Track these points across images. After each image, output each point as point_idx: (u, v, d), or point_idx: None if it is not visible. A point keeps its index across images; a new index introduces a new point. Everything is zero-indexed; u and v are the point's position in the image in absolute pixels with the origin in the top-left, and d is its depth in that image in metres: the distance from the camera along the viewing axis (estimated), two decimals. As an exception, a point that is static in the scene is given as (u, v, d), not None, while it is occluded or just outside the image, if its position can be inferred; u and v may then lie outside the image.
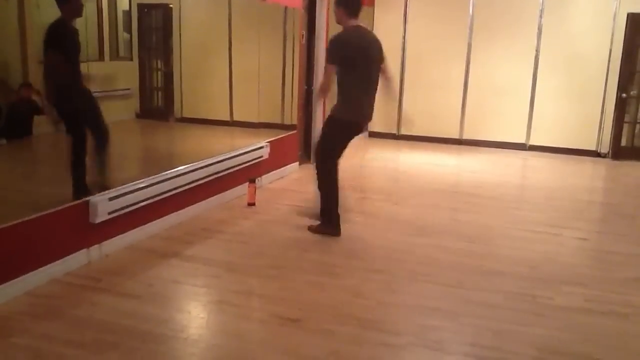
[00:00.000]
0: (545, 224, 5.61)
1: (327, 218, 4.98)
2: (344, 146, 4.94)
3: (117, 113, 5.00)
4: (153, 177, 4.75)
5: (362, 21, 4.88)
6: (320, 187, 4.98)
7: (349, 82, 4.74)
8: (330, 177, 4.92)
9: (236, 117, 6.35)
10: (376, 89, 4.91)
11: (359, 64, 4.72)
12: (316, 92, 4.78)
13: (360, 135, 5.08)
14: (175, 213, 5.09)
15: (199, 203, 5.42)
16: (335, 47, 4.71)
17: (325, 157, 4.93)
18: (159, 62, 5.52)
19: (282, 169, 7.11)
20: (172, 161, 5.17)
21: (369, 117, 4.97)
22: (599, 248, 5.11)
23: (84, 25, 4.14)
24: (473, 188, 7.03)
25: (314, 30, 7.79)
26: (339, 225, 4.99)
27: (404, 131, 9.91)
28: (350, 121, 4.84)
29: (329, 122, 4.96)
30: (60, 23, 3.98)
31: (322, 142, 4.99)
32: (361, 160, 8.29)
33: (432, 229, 5.31)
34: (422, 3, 9.81)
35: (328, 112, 5.03)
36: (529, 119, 9.51)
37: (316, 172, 5.00)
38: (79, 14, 4.11)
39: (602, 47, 8.95)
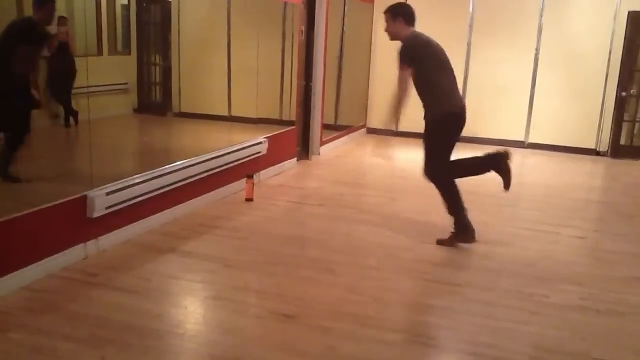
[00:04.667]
0: (543, 222, 5.61)
1: (461, 226, 4.75)
2: (452, 146, 4.77)
3: (114, 108, 5.00)
4: (150, 172, 4.74)
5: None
6: (445, 199, 4.76)
7: (438, 79, 4.66)
8: (450, 184, 4.75)
9: (234, 112, 6.34)
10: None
11: (443, 59, 4.71)
12: (396, 101, 4.65)
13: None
14: (172, 208, 5.08)
15: (196, 198, 5.42)
16: (418, 50, 4.65)
17: (437, 167, 4.74)
18: (157, 56, 5.51)
19: (280, 164, 7.10)
20: (169, 156, 5.17)
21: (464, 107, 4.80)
22: (597, 247, 5.11)
23: (83, 19, 4.12)
24: (471, 185, 6.98)
25: (313, 25, 7.78)
26: (473, 229, 4.75)
27: (402, 128, 9.89)
28: (453, 112, 4.70)
29: (432, 129, 4.74)
30: (28, 21, 3.97)
31: (429, 153, 4.76)
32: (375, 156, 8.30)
33: (429, 226, 5.31)
34: (422, 1, 9.76)
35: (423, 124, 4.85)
36: (528, 116, 9.51)
37: (437, 187, 4.76)
38: (49, 22, 4.08)
39: (602, 46, 8.94)
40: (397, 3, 4.82)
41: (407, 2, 4.90)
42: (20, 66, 3.97)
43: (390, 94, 4.88)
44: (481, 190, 6.74)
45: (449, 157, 4.76)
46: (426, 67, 4.64)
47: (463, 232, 4.74)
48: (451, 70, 4.78)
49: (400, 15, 4.72)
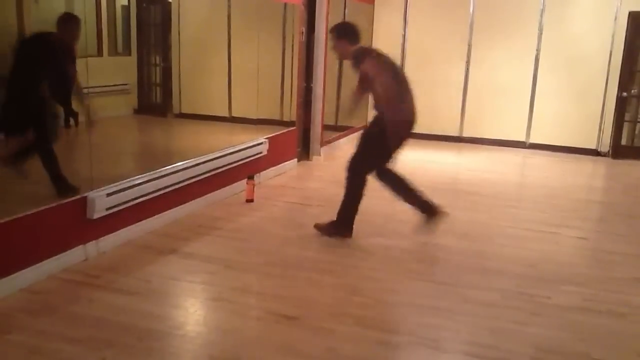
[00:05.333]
0: (544, 222, 5.60)
1: (343, 219, 4.85)
2: (391, 154, 4.78)
3: (115, 109, 4.99)
4: (151, 173, 4.74)
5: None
6: (349, 192, 4.83)
7: (392, 91, 4.66)
8: (361, 187, 4.81)
9: (235, 113, 6.34)
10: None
11: (397, 72, 4.77)
12: (346, 108, 4.73)
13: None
14: (173, 209, 5.08)
15: (197, 199, 5.41)
16: (370, 63, 4.63)
17: (361, 168, 4.78)
18: (157, 57, 5.51)
19: (281, 165, 7.10)
20: (170, 157, 5.16)
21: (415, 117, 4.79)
22: (598, 247, 5.09)
23: (83, 20, 4.12)
24: (472, 186, 7.02)
25: (314, 27, 7.78)
26: (352, 227, 4.87)
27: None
28: (402, 120, 4.69)
29: (379, 134, 4.72)
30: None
31: (366, 153, 4.79)
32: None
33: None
34: (422, 2, 9.78)
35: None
36: (529, 117, 9.49)
37: (348, 180, 4.83)
38: (75, 39, 4.12)
39: (603, 46, 8.92)
40: (340, 23, 4.93)
41: (349, 22, 4.97)
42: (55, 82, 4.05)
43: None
44: (482, 191, 6.74)
45: (384, 163, 4.81)
46: (383, 80, 4.64)
47: (342, 225, 4.84)
48: (406, 82, 4.79)
49: (344, 37, 4.75)
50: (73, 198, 4.06)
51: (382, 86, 4.59)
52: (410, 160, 8.37)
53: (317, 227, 4.94)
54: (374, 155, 4.78)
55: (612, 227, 5.72)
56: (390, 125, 4.59)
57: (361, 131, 4.93)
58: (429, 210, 4.83)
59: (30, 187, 4.01)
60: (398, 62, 9.84)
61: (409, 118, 4.71)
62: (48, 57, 4.00)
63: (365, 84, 4.65)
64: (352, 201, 4.82)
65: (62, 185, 4.08)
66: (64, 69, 4.15)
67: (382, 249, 4.74)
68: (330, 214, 5.42)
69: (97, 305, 3.54)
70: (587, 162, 8.84)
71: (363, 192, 4.81)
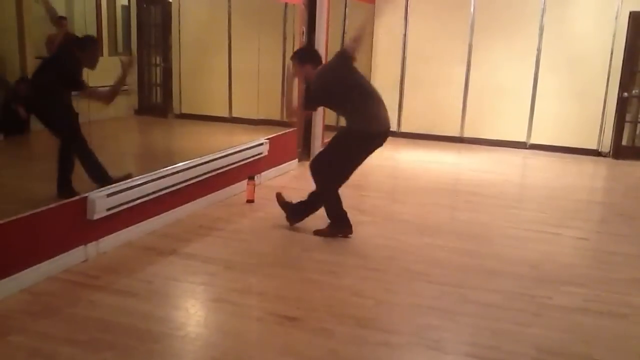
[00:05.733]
0: (545, 223, 5.59)
1: (336, 219, 4.89)
2: (357, 164, 4.80)
3: (115, 109, 4.98)
4: (151, 173, 4.73)
5: None
6: (325, 202, 4.90)
7: (355, 100, 4.63)
8: (334, 195, 4.85)
9: (235, 114, 6.34)
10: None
11: (362, 83, 4.70)
12: (291, 112, 4.80)
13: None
14: (173, 210, 5.07)
15: (197, 200, 5.40)
16: (328, 82, 4.63)
17: (333, 179, 4.82)
18: (158, 58, 5.50)
19: (282, 166, 7.09)
20: (170, 158, 5.16)
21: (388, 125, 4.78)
22: (599, 248, 5.08)
23: (83, 20, 4.12)
24: (473, 187, 7.01)
25: (314, 26, 7.76)
26: (350, 223, 4.89)
27: (404, 128, 9.90)
28: (371, 132, 4.67)
29: (343, 138, 4.78)
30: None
31: (334, 158, 4.81)
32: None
33: (431, 227, 5.29)
34: (422, 2, 9.77)
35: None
36: (529, 117, 9.48)
37: (320, 191, 4.88)
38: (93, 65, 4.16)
39: (604, 46, 8.91)
40: (301, 49, 4.98)
41: (309, 46, 5.03)
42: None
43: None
44: (483, 192, 6.73)
45: (350, 172, 4.84)
46: (342, 93, 4.62)
47: (339, 224, 4.86)
48: (373, 92, 4.73)
49: (308, 62, 4.74)
50: (73, 199, 4.05)
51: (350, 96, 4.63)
52: (411, 161, 8.39)
53: (317, 233, 4.93)
54: (340, 160, 4.78)
55: (613, 227, 5.71)
56: (361, 135, 4.64)
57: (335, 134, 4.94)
58: (339, 223, 4.87)
59: (30, 188, 4.00)
60: (399, 63, 9.87)
61: (381, 128, 4.70)
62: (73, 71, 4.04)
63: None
64: (331, 201, 4.86)
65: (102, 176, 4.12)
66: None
67: (383, 249, 4.73)
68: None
69: (98, 306, 3.53)
70: (588, 162, 8.83)
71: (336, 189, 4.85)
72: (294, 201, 5.07)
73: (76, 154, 4.24)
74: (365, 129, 4.61)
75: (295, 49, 4.88)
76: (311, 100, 4.82)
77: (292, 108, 5.28)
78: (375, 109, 4.66)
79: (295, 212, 5.04)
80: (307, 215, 5.02)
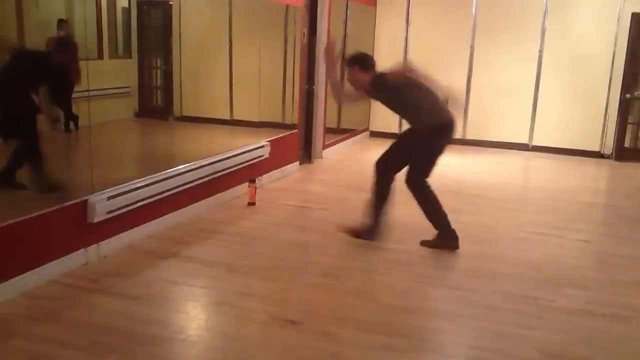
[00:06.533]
0: (547, 225, 5.57)
1: (443, 230, 4.79)
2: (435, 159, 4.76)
3: (115, 112, 4.97)
4: (152, 176, 4.72)
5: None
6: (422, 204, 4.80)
7: (420, 100, 4.61)
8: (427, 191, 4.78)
9: (236, 116, 6.32)
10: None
11: (416, 84, 4.65)
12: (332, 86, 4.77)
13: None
14: (174, 213, 5.05)
15: (198, 203, 5.39)
16: (386, 86, 4.58)
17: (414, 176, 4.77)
18: (158, 60, 5.49)
19: (283, 168, 7.07)
20: (171, 160, 5.14)
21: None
22: (602, 250, 5.07)
23: (83, 22, 4.10)
24: (476, 189, 6.99)
25: (315, 28, 7.76)
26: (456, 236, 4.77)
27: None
28: (442, 125, 4.63)
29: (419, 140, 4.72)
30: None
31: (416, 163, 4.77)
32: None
33: (433, 230, 5.26)
34: (424, 5, 9.76)
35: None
36: (532, 119, 9.46)
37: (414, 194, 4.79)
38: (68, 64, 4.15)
39: (606, 48, 8.89)
40: (352, 54, 4.91)
41: (363, 52, 4.98)
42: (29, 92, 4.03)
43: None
44: (485, 194, 6.71)
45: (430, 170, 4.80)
46: (402, 96, 4.60)
47: (446, 237, 4.77)
48: (428, 90, 4.70)
49: (356, 64, 4.72)
50: (73, 202, 4.03)
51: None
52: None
53: (424, 243, 4.82)
54: (413, 160, 4.76)
55: (616, 229, 5.69)
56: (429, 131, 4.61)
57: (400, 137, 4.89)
58: (446, 237, 4.75)
59: (30, 191, 3.99)
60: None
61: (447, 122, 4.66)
62: (40, 78, 4.01)
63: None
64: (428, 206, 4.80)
65: (9, 175, 4.02)
66: (59, 83, 4.17)
67: (386, 252, 4.71)
68: (332, 217, 5.41)
69: (98, 310, 3.52)
70: (590, 164, 8.81)
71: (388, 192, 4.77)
72: (358, 224, 4.85)
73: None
74: (430, 122, 4.58)
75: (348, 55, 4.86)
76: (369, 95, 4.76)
77: (337, 85, 5.01)
78: (437, 102, 4.67)
79: (371, 228, 4.78)
80: (381, 219, 4.78)
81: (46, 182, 4.09)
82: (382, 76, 4.64)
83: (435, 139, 4.69)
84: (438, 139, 4.70)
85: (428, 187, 4.78)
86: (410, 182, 4.76)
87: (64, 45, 4.09)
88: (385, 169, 4.75)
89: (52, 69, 4.05)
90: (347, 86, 4.96)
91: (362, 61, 4.75)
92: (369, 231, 4.76)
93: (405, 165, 4.75)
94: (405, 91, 4.59)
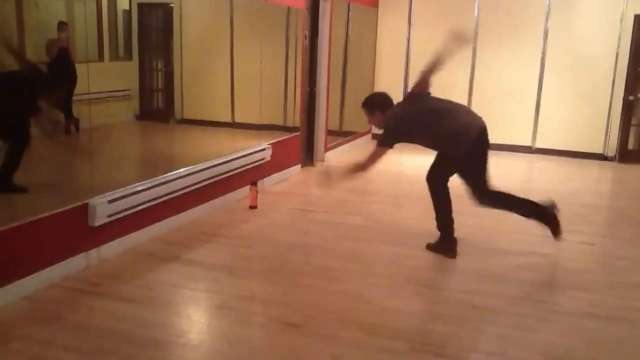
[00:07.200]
0: (550, 227, 5.54)
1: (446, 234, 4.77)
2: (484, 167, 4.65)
3: (116, 114, 4.96)
4: (153, 179, 4.71)
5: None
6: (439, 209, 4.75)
7: (446, 126, 4.54)
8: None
9: (238, 119, 6.31)
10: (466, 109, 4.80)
11: (435, 108, 4.64)
12: (355, 169, 4.65)
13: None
14: (175, 216, 5.04)
15: (199, 206, 5.38)
16: (404, 123, 4.58)
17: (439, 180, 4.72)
18: (159, 62, 5.48)
19: (285, 171, 7.06)
20: (172, 163, 5.13)
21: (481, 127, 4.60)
22: (605, 253, 5.04)
23: (84, 24, 4.10)
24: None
25: (317, 30, 7.75)
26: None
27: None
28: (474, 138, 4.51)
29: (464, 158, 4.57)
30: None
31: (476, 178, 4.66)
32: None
33: (436, 233, 5.24)
34: (426, 6, 9.75)
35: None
36: (534, 121, 9.44)
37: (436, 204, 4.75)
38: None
39: (609, 49, 8.87)
40: (370, 96, 4.88)
41: (379, 93, 4.94)
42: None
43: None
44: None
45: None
46: (426, 127, 4.55)
47: (447, 238, 4.75)
48: (449, 110, 4.67)
49: (376, 109, 4.71)
50: (74, 205, 4.02)
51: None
52: (415, 166, 8.33)
53: (430, 247, 4.79)
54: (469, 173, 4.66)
55: (619, 232, 5.67)
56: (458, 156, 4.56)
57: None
58: (547, 216, 4.71)
59: (30, 195, 3.98)
60: (403, 67, 9.85)
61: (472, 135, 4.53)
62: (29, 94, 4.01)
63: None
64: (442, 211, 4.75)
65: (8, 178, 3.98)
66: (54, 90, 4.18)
67: (387, 255, 4.70)
68: (334, 220, 5.40)
69: (99, 313, 3.51)
70: (593, 166, 8.78)
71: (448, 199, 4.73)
72: (437, 240, 4.81)
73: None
74: (458, 149, 4.50)
75: (366, 97, 4.83)
76: (386, 140, 4.62)
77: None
78: (455, 122, 4.55)
79: (446, 243, 4.75)
80: (452, 230, 4.76)
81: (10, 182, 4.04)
82: (398, 103, 4.69)
83: (475, 155, 4.56)
84: (478, 153, 4.58)
85: (495, 193, 4.68)
86: (481, 198, 4.65)
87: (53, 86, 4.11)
88: (439, 182, 4.72)
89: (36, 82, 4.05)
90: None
91: (381, 105, 4.72)
92: (448, 248, 4.70)
93: (454, 173, 4.68)
94: (426, 113, 4.56)
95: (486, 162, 4.62)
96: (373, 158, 4.56)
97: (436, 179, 4.73)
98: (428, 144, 4.68)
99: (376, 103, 4.76)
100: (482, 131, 4.54)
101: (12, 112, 3.90)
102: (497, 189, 4.65)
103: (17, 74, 3.93)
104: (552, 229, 4.74)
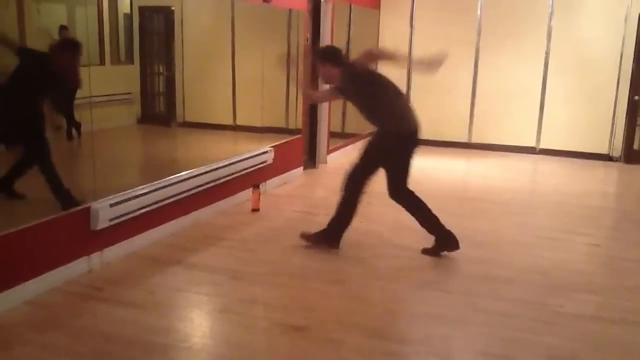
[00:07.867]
0: (556, 229, 5.52)
1: (439, 235, 4.72)
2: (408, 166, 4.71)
3: (118, 118, 4.96)
4: (155, 183, 4.69)
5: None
6: (345, 201, 4.74)
7: (390, 102, 4.59)
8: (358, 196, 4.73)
9: (239, 122, 6.30)
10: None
11: (388, 84, 4.63)
12: (302, 89, 4.66)
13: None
14: (177, 220, 5.03)
15: (202, 209, 5.36)
16: (357, 80, 4.57)
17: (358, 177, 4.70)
18: (160, 66, 5.47)
19: (287, 174, 7.04)
20: (174, 167, 5.11)
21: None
22: (612, 255, 5.00)
23: (85, 28, 4.09)
24: (482, 193, 6.95)
25: (319, 33, 7.74)
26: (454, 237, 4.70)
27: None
28: (407, 133, 4.59)
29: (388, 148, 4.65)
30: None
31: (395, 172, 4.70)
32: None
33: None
34: (428, 6, 9.73)
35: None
36: (539, 122, 9.40)
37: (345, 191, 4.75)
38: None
39: (614, 49, 8.84)
40: (323, 49, 4.90)
41: (332, 45, 4.93)
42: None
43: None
44: (492, 198, 6.67)
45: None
46: (371, 90, 4.56)
47: (445, 240, 4.68)
48: (401, 93, 4.73)
49: (327, 60, 4.67)
50: (76, 209, 4.01)
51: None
52: (418, 168, 8.30)
53: (425, 251, 4.74)
54: (391, 169, 4.69)
55: (625, 233, 5.63)
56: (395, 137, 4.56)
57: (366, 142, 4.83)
58: (443, 240, 4.68)
59: (32, 199, 3.97)
60: (405, 68, 9.83)
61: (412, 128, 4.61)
62: (46, 79, 3.97)
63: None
64: (346, 211, 4.74)
65: (65, 197, 4.03)
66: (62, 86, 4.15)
67: (390, 258, 4.67)
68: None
69: (101, 318, 3.49)
70: (598, 167, 8.75)
71: (358, 202, 4.73)
72: (316, 230, 4.83)
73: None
74: (397, 129, 4.54)
75: (320, 47, 4.82)
76: (338, 92, 4.75)
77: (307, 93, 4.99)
78: (405, 110, 4.64)
79: (330, 233, 4.77)
80: (344, 230, 4.78)
81: (67, 194, 4.05)
82: (350, 65, 4.63)
83: (402, 147, 4.62)
84: (406, 147, 4.63)
85: (411, 194, 4.71)
86: (392, 194, 4.71)
87: (70, 46, 4.06)
88: (357, 181, 4.70)
89: (53, 69, 4.01)
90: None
91: (334, 56, 4.71)
92: (447, 243, 4.68)
93: (375, 173, 4.68)
94: (374, 85, 4.57)
95: (411, 160, 4.66)
96: (320, 98, 4.83)
97: (394, 191, 4.71)
98: (371, 110, 4.66)
99: (329, 54, 4.75)
100: (419, 129, 4.62)
101: (19, 107, 3.88)
102: (412, 191, 4.69)
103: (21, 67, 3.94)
104: (437, 246, 4.70)
